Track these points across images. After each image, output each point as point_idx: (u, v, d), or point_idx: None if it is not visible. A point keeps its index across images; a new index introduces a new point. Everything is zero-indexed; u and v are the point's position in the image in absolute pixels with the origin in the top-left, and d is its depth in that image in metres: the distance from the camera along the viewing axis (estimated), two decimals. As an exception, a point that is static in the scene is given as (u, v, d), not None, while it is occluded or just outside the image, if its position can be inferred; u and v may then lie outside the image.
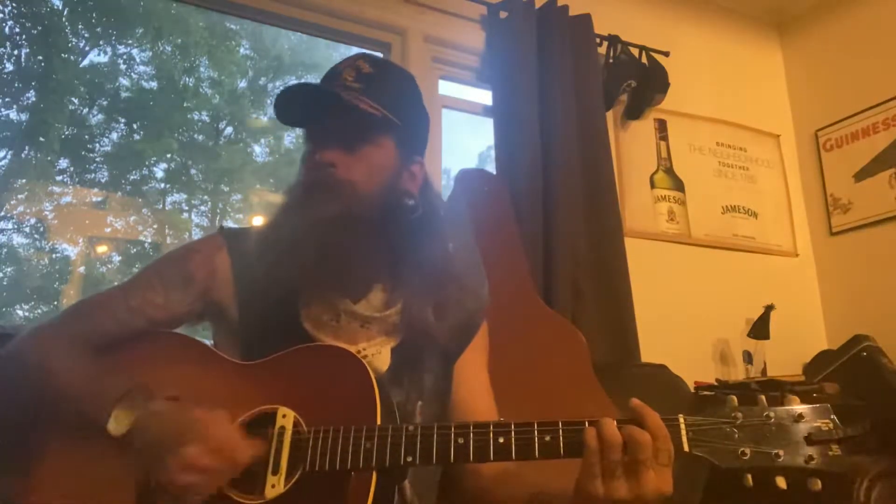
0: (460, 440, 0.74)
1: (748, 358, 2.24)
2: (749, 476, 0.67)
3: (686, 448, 0.69)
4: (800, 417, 0.68)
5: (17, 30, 6.36)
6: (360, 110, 0.89)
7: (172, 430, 0.76)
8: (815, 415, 0.68)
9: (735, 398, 0.71)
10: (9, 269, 6.40)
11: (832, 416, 0.67)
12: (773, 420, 0.68)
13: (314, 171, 0.90)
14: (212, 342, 1.00)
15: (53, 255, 6.54)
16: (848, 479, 1.32)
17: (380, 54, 2.23)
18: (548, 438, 0.72)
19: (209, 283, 0.95)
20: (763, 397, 0.70)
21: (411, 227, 0.94)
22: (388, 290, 0.96)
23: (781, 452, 0.66)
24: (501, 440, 0.73)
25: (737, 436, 0.68)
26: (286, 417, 0.80)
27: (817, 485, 0.65)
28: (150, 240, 7.11)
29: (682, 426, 0.70)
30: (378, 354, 0.94)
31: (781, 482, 0.66)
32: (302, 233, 0.87)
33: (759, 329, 2.22)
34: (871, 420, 0.66)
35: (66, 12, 6.92)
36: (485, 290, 1.08)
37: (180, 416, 0.78)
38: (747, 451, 0.67)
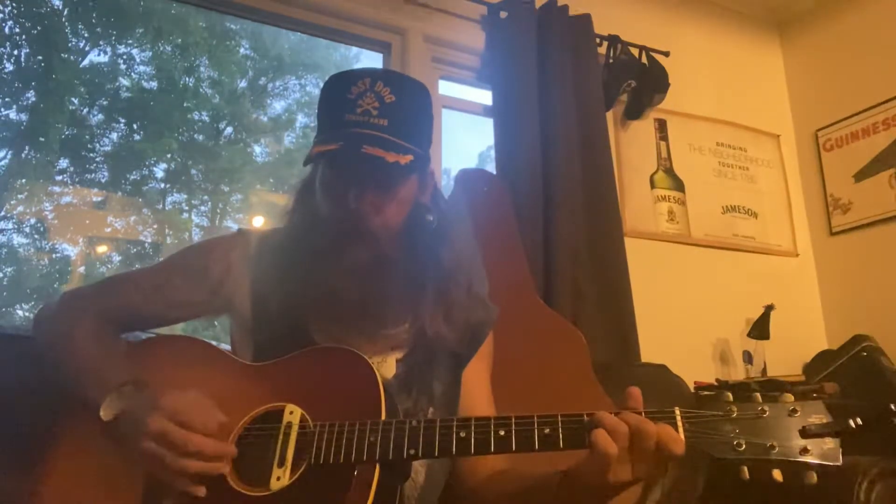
0: (462, 433, 0.75)
1: (748, 358, 2.24)
2: (745, 468, 0.68)
3: (682, 439, 0.70)
4: (794, 412, 0.69)
5: (17, 30, 6.36)
6: (400, 167, 0.86)
7: (144, 410, 0.79)
8: (809, 409, 0.69)
9: (730, 394, 0.73)
10: (9, 269, 6.40)
11: (825, 412, 0.69)
12: (767, 414, 0.70)
13: (348, 218, 0.88)
14: (230, 340, 1.04)
15: (53, 255, 6.54)
16: (848, 478, 1.33)
17: (379, 54, 2.23)
18: (547, 431, 0.73)
19: (224, 280, 0.98)
20: (758, 393, 0.72)
21: (428, 242, 0.95)
22: (400, 311, 0.97)
23: (776, 444, 0.68)
24: (502, 433, 0.74)
25: (732, 429, 0.70)
26: (293, 414, 0.83)
27: (813, 478, 0.66)
28: (150, 240, 7.11)
29: (679, 418, 0.71)
30: (383, 363, 0.95)
31: (778, 475, 0.67)
32: (331, 277, 0.89)
33: (759, 329, 2.22)
34: (863, 414, 0.66)
35: (66, 12, 6.92)
36: (486, 291, 1.09)
37: (154, 399, 0.80)
38: (742, 442, 0.68)
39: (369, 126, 0.86)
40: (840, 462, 0.66)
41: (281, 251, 0.96)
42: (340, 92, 0.90)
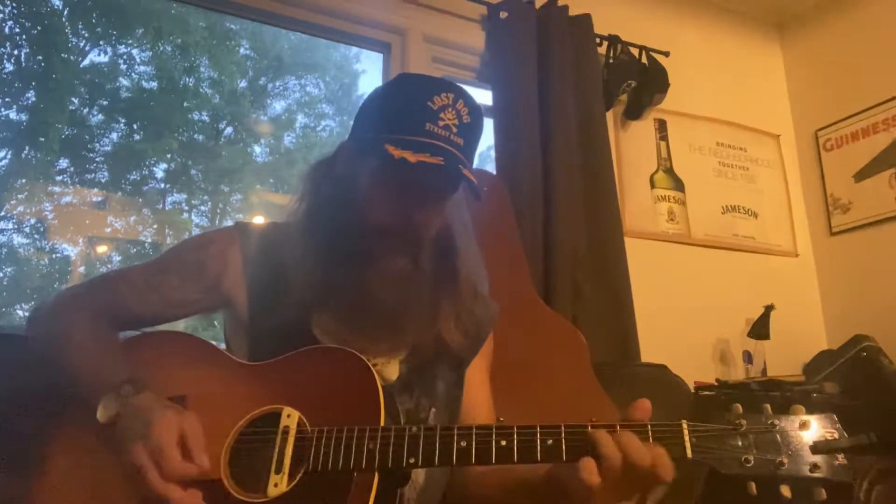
0: (463, 443, 0.74)
1: (748, 358, 2.24)
2: (753, 484, 0.67)
3: (689, 454, 0.69)
4: (805, 426, 0.67)
5: (17, 30, 6.35)
6: (475, 186, 0.87)
7: (138, 424, 0.76)
8: (821, 424, 0.67)
9: (740, 406, 0.70)
10: (9, 269, 6.40)
11: (838, 426, 0.67)
12: (777, 428, 0.68)
13: (405, 228, 0.89)
14: (223, 336, 1.03)
15: (53, 255, 6.53)
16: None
17: (380, 54, 2.23)
18: (550, 442, 0.72)
19: (221, 275, 0.97)
20: (768, 406, 0.70)
21: (449, 252, 0.96)
22: (418, 320, 0.95)
23: (785, 460, 0.66)
24: (504, 443, 0.73)
25: (740, 443, 0.68)
26: (290, 417, 0.81)
27: (822, 494, 0.64)
28: (150, 240, 7.11)
29: (686, 432, 0.70)
30: (387, 364, 0.94)
31: (786, 491, 0.66)
32: (366, 280, 0.89)
33: (759, 329, 2.22)
34: (877, 430, 0.65)
35: (66, 12, 6.91)
36: (486, 290, 1.08)
37: (150, 412, 0.77)
38: (751, 458, 0.67)
39: (450, 143, 0.86)
40: (851, 480, 0.64)
41: (287, 245, 0.94)
42: (421, 97, 0.88)
